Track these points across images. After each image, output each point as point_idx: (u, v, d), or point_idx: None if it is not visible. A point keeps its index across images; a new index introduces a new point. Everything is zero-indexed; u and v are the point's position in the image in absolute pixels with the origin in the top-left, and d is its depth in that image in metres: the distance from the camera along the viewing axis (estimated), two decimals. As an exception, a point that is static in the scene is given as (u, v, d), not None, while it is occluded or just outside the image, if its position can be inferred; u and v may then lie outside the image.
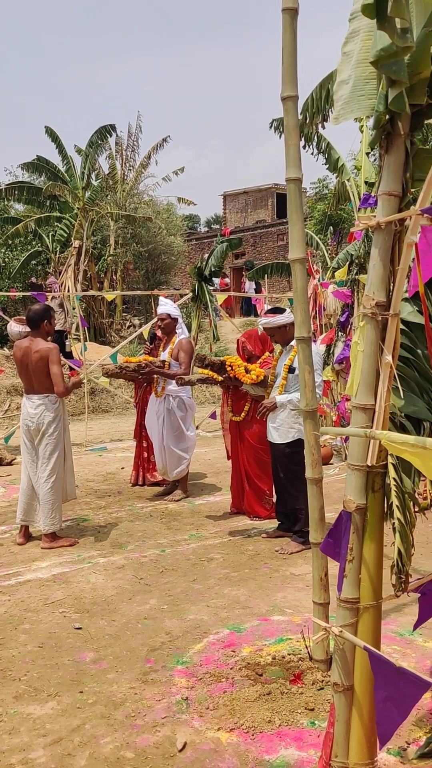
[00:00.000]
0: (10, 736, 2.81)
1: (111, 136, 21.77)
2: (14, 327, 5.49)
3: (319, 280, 9.57)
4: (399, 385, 2.00)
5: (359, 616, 1.98)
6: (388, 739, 1.80)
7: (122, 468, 8.26)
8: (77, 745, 2.74)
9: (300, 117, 8.65)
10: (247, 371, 5.61)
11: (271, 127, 10.04)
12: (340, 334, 8.56)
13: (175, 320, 6.76)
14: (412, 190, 1.87)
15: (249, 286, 26.76)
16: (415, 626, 2.33)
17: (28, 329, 5.55)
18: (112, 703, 3.05)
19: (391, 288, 1.89)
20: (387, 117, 1.80)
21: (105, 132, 21.23)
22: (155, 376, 6.59)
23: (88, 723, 2.89)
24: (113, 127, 21.34)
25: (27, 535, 5.49)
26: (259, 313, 17.55)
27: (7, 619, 3.99)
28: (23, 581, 4.62)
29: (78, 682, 3.24)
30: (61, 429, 5.37)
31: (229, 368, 5.54)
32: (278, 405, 5.10)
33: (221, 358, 5.59)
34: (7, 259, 22.77)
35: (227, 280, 27.09)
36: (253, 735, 2.77)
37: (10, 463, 9.03)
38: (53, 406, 5.30)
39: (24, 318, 5.92)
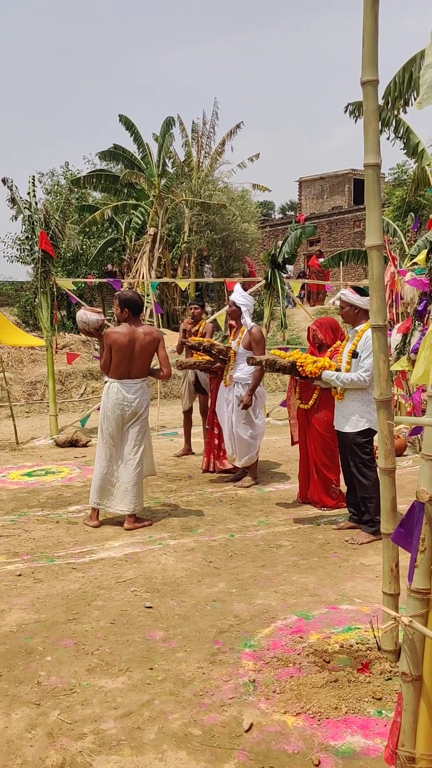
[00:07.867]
0: (82, 707, 2.92)
1: (173, 126, 22.09)
2: (92, 315, 5.60)
3: (397, 268, 9.37)
4: None
5: (430, 607, 1.96)
6: None
7: (192, 453, 8.36)
8: (146, 720, 2.82)
9: (381, 101, 8.48)
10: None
11: (345, 111, 9.87)
12: (417, 323, 8.37)
13: (239, 309, 6.78)
14: None
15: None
16: None
17: (102, 318, 5.69)
18: (181, 681, 3.12)
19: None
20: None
21: (169, 123, 21.55)
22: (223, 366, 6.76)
23: (157, 699, 2.97)
24: (173, 119, 21.73)
25: (98, 518, 5.63)
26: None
27: (81, 595, 4.13)
28: (96, 559, 4.76)
29: (148, 659, 3.33)
30: (149, 411, 5.68)
31: (300, 368, 5.45)
32: (324, 378, 5.22)
33: (290, 359, 5.49)
34: (84, 246, 23.29)
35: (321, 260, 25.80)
36: (319, 720, 2.78)
37: (85, 445, 9.29)
38: (148, 390, 5.63)
39: (96, 309, 6.08)
